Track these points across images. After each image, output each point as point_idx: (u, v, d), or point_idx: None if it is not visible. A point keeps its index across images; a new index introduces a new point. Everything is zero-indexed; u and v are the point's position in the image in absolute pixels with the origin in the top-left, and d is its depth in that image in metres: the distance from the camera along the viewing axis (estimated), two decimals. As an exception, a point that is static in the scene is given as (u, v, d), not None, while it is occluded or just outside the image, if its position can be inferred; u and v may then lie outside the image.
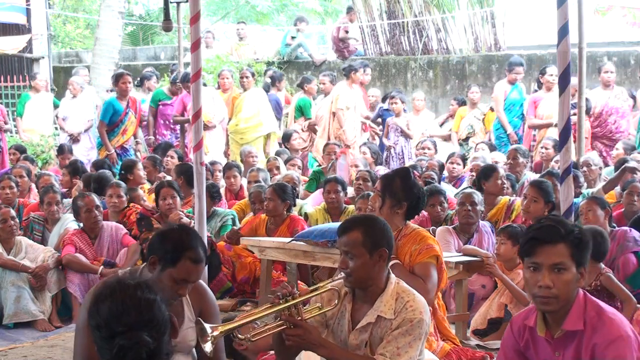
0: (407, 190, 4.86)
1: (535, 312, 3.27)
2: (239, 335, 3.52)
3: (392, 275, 3.81)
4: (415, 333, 3.62)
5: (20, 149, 11.53)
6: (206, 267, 6.21)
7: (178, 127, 12.48)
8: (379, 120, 12.68)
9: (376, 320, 3.70)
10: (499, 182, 7.27)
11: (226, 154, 12.35)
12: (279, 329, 3.56)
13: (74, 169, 9.71)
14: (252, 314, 3.56)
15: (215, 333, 3.34)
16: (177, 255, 3.63)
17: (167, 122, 12.48)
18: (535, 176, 8.50)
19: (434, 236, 6.58)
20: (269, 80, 13.53)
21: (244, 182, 9.48)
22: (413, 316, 3.64)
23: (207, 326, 3.31)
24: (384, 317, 3.68)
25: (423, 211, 7.40)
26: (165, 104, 12.43)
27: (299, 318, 3.58)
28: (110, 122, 10.84)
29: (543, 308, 3.16)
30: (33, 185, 9.56)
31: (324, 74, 12.74)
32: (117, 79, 10.97)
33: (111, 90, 12.74)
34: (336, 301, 3.78)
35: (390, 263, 3.85)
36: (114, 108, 10.82)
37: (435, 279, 4.73)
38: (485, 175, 7.30)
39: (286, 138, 12.03)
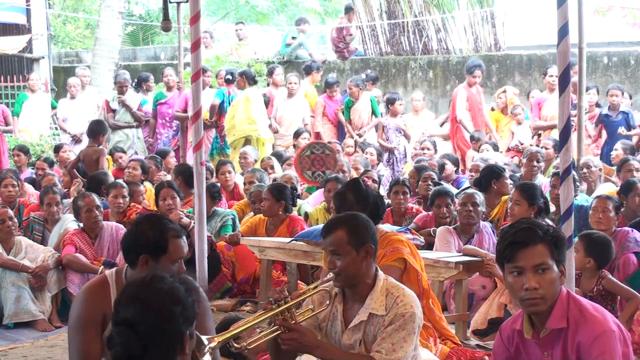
0: (361, 200, 4.82)
1: (521, 315, 3.29)
2: (235, 345, 3.49)
3: (380, 272, 3.82)
4: (409, 327, 3.63)
5: (23, 150, 11.46)
6: (206, 267, 6.23)
7: (176, 124, 12.54)
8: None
9: (368, 318, 3.71)
10: (508, 182, 7.44)
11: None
12: (274, 334, 3.55)
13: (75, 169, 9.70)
14: (246, 322, 3.53)
15: (212, 344, 3.31)
16: (164, 241, 3.60)
17: (164, 121, 12.62)
18: (545, 179, 8.59)
19: (434, 236, 6.67)
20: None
21: (239, 180, 9.48)
22: (404, 310, 3.64)
23: (204, 338, 3.30)
24: (376, 314, 3.69)
25: (429, 212, 7.47)
26: (161, 103, 12.59)
27: (293, 322, 3.57)
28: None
29: (531, 310, 3.18)
30: (29, 186, 9.55)
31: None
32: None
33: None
34: (327, 302, 3.79)
35: None
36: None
37: None
38: (496, 175, 7.42)
39: (296, 136, 11.97)
